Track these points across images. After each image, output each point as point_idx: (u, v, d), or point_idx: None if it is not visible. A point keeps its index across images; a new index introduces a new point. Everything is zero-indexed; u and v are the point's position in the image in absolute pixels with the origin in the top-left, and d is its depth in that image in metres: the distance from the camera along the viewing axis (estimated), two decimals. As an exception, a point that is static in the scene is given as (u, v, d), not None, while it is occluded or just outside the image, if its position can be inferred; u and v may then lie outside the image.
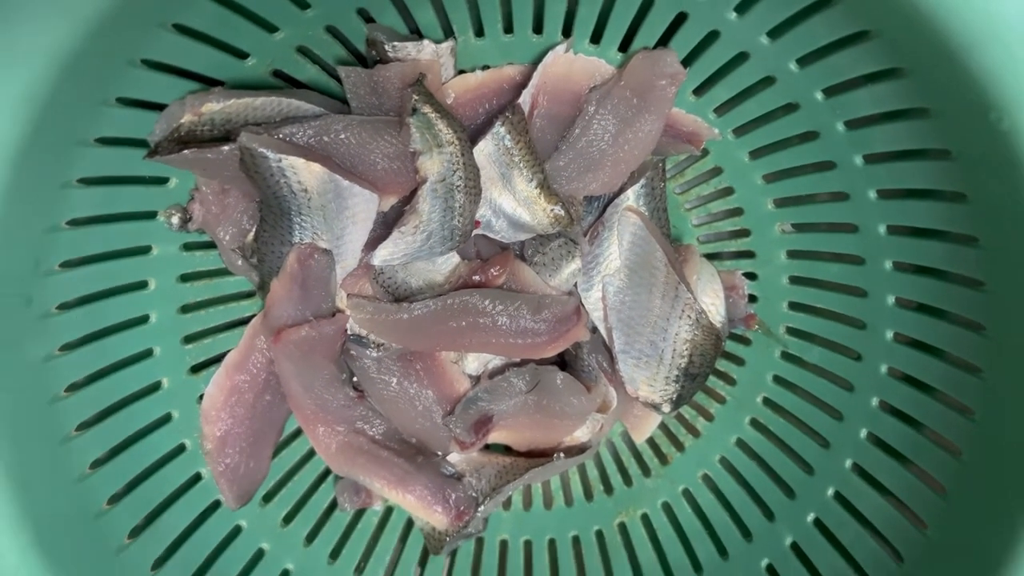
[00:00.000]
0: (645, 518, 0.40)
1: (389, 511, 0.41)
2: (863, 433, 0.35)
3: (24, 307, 0.30)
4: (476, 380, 0.39)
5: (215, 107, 0.31)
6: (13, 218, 0.27)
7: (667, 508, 0.40)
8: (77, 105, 0.28)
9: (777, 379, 0.39)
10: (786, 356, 0.38)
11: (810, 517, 0.36)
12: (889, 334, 0.34)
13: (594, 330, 0.39)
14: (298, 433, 0.39)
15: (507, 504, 0.42)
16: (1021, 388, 0.28)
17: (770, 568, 0.37)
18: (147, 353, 0.35)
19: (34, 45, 0.25)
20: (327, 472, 0.40)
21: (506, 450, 0.41)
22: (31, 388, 0.30)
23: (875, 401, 0.35)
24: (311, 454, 0.39)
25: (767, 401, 0.39)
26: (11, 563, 0.28)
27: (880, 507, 0.34)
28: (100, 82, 0.29)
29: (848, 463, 0.35)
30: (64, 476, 0.32)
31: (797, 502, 0.37)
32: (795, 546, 0.36)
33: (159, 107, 0.32)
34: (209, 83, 0.33)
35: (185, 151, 0.31)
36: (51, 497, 0.30)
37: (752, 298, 0.39)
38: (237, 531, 0.37)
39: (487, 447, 0.40)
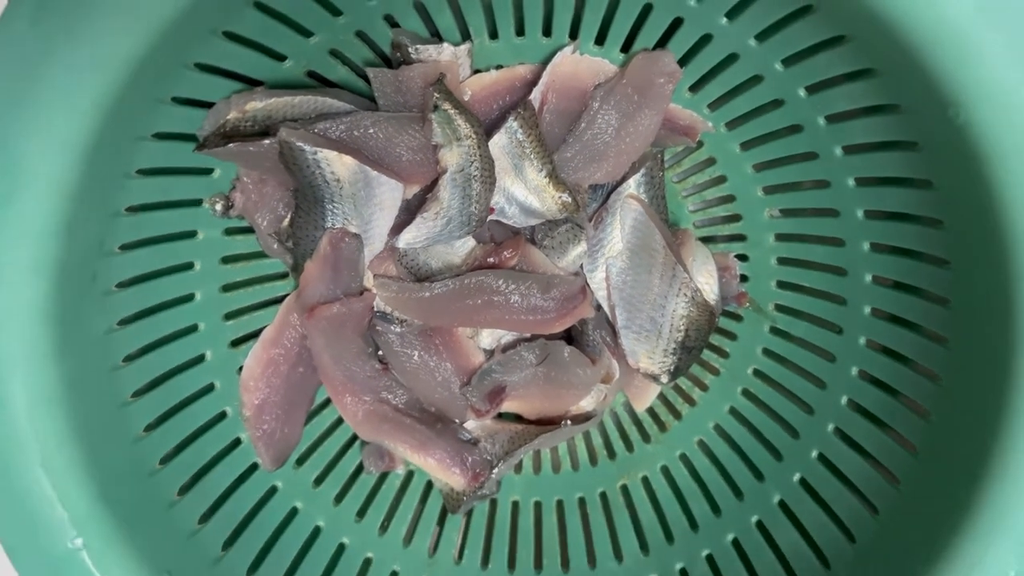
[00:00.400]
0: (645, 480, 0.43)
1: (410, 474, 0.44)
2: (844, 400, 0.38)
3: (90, 284, 0.33)
4: (490, 354, 0.42)
5: (258, 105, 0.35)
6: (84, 205, 0.31)
7: (665, 471, 0.43)
8: (139, 105, 0.31)
9: (766, 352, 0.42)
10: (774, 331, 0.42)
11: (796, 477, 0.39)
12: (867, 309, 0.37)
13: (598, 307, 0.42)
14: (327, 403, 0.42)
15: (518, 468, 0.45)
16: (981, 354, 0.31)
17: (759, 524, 0.40)
18: (192, 328, 0.39)
19: (107, 53, 0.28)
20: (354, 438, 0.43)
21: (517, 418, 0.44)
22: (94, 358, 0.34)
23: (855, 371, 0.38)
24: (339, 422, 0.43)
25: (757, 372, 0.42)
26: (80, 512, 0.32)
27: (859, 466, 0.36)
28: (159, 84, 0.32)
29: (830, 427, 0.38)
30: (122, 438, 0.35)
31: (784, 464, 0.40)
32: (782, 503, 0.39)
33: (207, 105, 0.35)
34: (251, 83, 0.36)
35: (230, 145, 0.34)
36: (111, 456, 0.33)
37: (743, 278, 0.42)
38: (273, 491, 0.40)
39: (500, 415, 0.43)
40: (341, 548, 0.41)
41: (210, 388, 0.39)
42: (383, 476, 0.43)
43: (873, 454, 0.36)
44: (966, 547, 0.30)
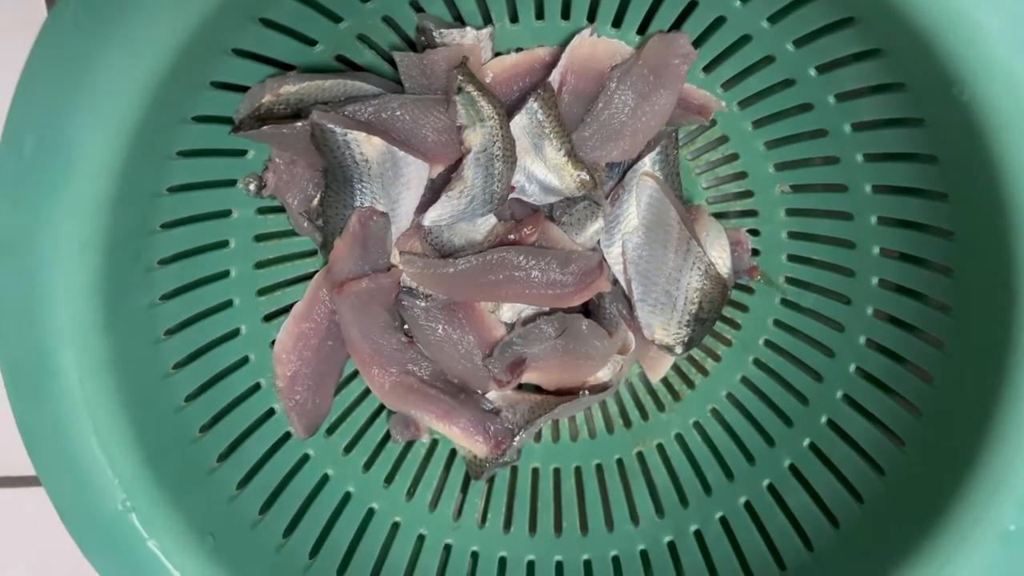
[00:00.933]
0: (660, 447, 0.45)
1: (435, 443, 0.45)
2: (852, 368, 0.40)
3: (134, 262, 0.35)
4: (511, 327, 0.44)
5: (291, 89, 0.36)
6: (129, 185, 0.32)
7: (679, 438, 0.45)
8: (181, 89, 0.33)
9: (777, 323, 0.43)
10: (785, 302, 0.43)
11: (806, 442, 0.41)
12: (874, 280, 0.39)
13: (615, 282, 0.44)
14: (355, 375, 0.44)
15: (538, 437, 0.46)
16: (981, 321, 0.32)
17: (771, 487, 0.41)
18: (228, 303, 0.40)
19: (153, 42, 0.30)
20: (381, 408, 0.45)
21: (537, 389, 0.45)
22: (139, 332, 0.35)
23: (862, 339, 0.39)
24: (367, 393, 0.44)
25: (768, 343, 0.44)
26: (129, 477, 0.34)
27: (866, 430, 0.38)
28: (199, 69, 0.33)
29: (839, 394, 0.40)
30: (165, 407, 0.36)
31: (794, 429, 0.41)
32: (792, 467, 0.41)
33: (243, 89, 0.36)
34: (284, 67, 0.37)
35: (264, 127, 0.36)
36: (156, 424, 0.35)
37: (755, 252, 0.43)
38: (306, 458, 0.42)
39: (521, 386, 0.45)
40: (371, 513, 0.43)
41: (245, 361, 0.41)
42: (409, 444, 0.45)
43: (880, 418, 0.38)
44: (969, 503, 0.31)
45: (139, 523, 0.34)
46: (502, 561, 0.44)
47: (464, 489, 0.45)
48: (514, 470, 0.46)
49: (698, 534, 0.42)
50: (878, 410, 0.38)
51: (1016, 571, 0.31)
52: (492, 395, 0.44)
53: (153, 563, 0.34)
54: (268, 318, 0.42)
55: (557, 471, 0.46)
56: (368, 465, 0.44)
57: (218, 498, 0.38)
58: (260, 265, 0.42)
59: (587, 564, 0.43)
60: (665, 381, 0.46)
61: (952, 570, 0.31)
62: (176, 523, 0.34)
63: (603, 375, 0.45)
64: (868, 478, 0.37)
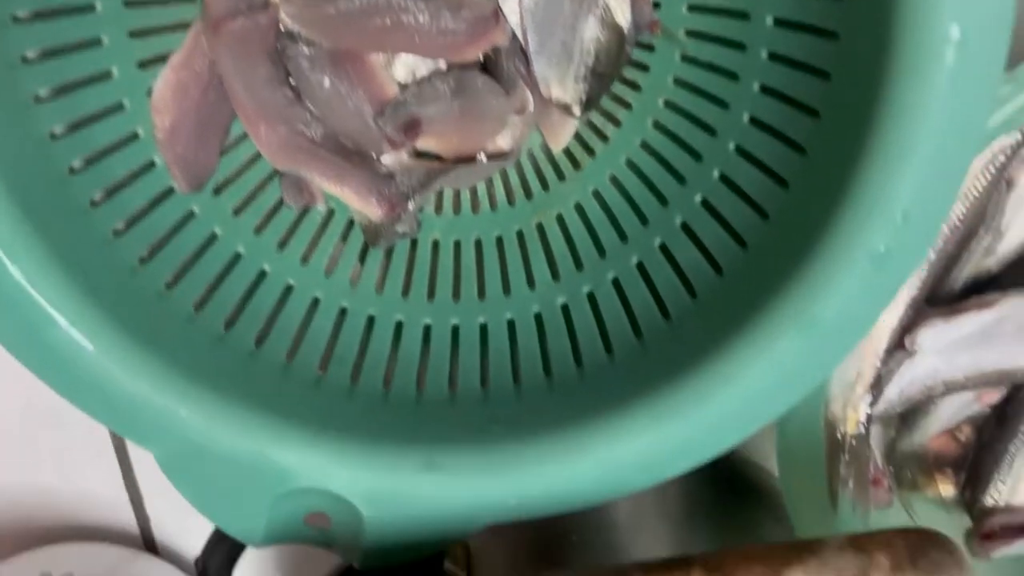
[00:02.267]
0: (560, 218, 0.45)
1: (332, 212, 0.44)
2: (746, 118, 0.39)
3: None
4: (406, 88, 0.43)
5: None
6: None
7: (579, 208, 0.44)
8: None
9: (676, 81, 0.42)
10: (685, 58, 0.42)
11: (698, 198, 0.40)
12: (769, 20, 0.38)
13: (513, 36, 0.42)
14: (245, 137, 0.43)
15: (439, 209, 0.46)
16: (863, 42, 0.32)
17: (662, 246, 0.41)
18: (96, 41, 0.38)
19: None
20: (274, 174, 0.43)
21: (436, 160, 0.44)
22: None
23: (756, 86, 0.39)
24: (257, 156, 0.43)
25: (667, 103, 0.42)
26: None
27: (756, 179, 0.38)
28: None
29: (731, 146, 0.39)
30: (26, 139, 0.35)
31: (687, 187, 0.41)
32: (684, 225, 0.40)
33: None
34: None
35: None
36: (17, 159, 0.34)
37: (656, 5, 0.42)
38: (190, 215, 0.41)
39: (417, 155, 0.44)
40: (262, 274, 0.42)
41: (120, 107, 0.39)
42: (304, 212, 0.44)
43: (771, 166, 0.37)
44: (842, 230, 0.31)
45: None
46: (399, 325, 0.43)
47: (362, 259, 0.45)
48: (414, 243, 0.45)
49: (591, 296, 0.42)
50: (769, 158, 0.38)
51: (887, 287, 0.32)
52: (387, 160, 0.43)
53: (18, 293, 0.33)
54: (144, 65, 0.40)
55: (457, 244, 0.45)
56: (260, 229, 0.43)
57: (92, 241, 0.37)
58: (130, 4, 0.39)
59: (483, 327, 0.43)
60: (567, 151, 0.45)
61: (827, 293, 0.32)
62: (42, 255, 0.33)
63: (502, 142, 0.44)
64: (753, 224, 0.37)
